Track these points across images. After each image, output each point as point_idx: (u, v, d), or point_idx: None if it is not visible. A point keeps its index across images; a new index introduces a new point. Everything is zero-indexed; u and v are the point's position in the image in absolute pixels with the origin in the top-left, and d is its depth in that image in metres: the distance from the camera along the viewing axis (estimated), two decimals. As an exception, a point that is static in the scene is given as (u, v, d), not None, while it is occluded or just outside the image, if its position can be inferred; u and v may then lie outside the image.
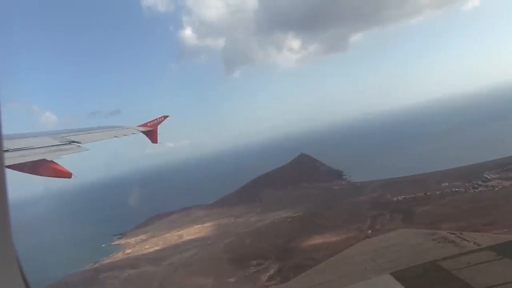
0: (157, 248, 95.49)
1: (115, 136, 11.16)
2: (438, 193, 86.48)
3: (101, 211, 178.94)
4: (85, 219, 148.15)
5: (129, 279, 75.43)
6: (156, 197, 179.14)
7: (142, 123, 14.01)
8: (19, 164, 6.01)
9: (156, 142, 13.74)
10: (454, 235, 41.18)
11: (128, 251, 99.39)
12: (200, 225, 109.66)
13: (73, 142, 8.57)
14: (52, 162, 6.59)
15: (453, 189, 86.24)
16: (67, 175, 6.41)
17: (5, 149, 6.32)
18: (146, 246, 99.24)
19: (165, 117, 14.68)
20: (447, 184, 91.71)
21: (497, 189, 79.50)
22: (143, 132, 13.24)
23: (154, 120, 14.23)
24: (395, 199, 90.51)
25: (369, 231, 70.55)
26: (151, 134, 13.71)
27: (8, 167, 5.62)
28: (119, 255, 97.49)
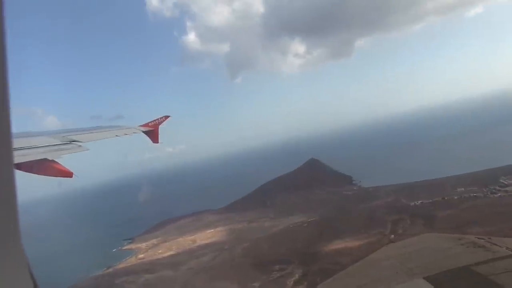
0: (171, 252, 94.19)
1: (117, 136, 11.19)
2: (456, 197, 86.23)
3: (108, 215, 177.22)
4: (93, 223, 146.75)
5: (147, 284, 74.14)
6: (163, 201, 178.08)
7: (143, 123, 14.25)
8: (20, 163, 5.96)
9: (157, 142, 13.95)
10: (483, 240, 40.63)
11: (141, 255, 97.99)
12: (212, 230, 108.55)
13: (74, 141, 8.59)
14: (53, 161, 6.58)
15: (471, 194, 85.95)
16: (68, 174, 6.36)
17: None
18: (160, 251, 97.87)
19: (166, 117, 14.79)
20: (463, 189, 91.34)
21: (516, 194, 79.26)
22: (144, 132, 13.39)
23: (155, 120, 14.42)
24: (412, 203, 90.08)
25: (392, 236, 70.04)
26: (152, 134, 13.89)
27: None
28: (132, 260, 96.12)
